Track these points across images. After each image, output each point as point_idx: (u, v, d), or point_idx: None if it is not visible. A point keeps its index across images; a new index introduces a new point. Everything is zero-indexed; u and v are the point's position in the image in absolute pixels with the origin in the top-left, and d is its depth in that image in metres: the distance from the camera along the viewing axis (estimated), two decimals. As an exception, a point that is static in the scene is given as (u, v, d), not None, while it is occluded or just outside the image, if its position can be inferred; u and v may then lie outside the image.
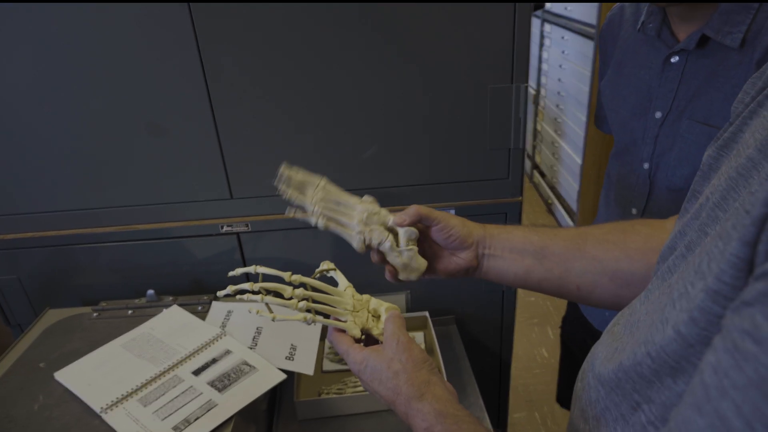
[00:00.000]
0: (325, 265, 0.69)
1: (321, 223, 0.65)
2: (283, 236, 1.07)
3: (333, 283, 0.68)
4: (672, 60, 0.88)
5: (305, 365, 0.89)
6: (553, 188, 3.24)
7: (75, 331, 0.98)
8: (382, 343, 0.60)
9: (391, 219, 0.67)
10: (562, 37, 2.79)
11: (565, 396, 1.30)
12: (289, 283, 0.62)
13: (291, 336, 0.95)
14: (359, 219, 0.66)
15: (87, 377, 0.84)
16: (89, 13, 0.87)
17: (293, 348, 0.92)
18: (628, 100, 0.97)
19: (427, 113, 0.97)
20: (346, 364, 1.02)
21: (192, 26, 0.88)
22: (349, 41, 0.91)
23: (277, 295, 0.61)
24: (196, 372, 0.84)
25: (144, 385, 0.81)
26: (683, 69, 0.86)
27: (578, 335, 1.21)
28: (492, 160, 1.01)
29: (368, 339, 0.64)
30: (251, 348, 0.90)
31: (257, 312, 0.61)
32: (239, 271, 0.66)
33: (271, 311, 0.62)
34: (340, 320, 0.63)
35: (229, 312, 0.99)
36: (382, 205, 1.05)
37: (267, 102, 0.95)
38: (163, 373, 0.84)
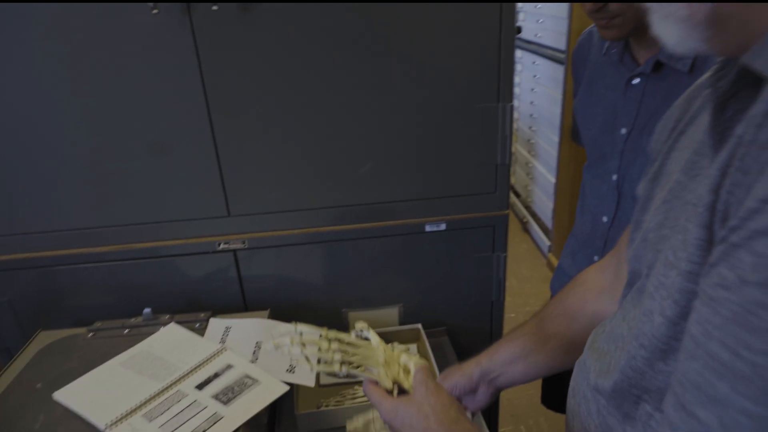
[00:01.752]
0: (360, 324, 0.72)
1: (344, 370, 0.66)
2: (279, 253, 1.09)
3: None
4: (633, 82, 0.96)
5: (306, 377, 0.91)
6: (528, 207, 3.32)
7: (71, 351, 0.97)
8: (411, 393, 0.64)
9: (405, 357, 0.69)
10: (534, 62, 2.92)
11: (549, 398, 1.34)
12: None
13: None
14: (378, 361, 0.67)
15: (88, 396, 0.84)
16: (90, 30, 0.89)
17: (293, 361, 0.94)
18: (597, 117, 1.05)
19: (419, 131, 1.02)
20: (344, 376, 1.04)
21: (194, 45, 0.92)
22: (345, 62, 0.96)
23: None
24: (200, 386, 0.85)
25: (147, 401, 0.82)
26: (643, 90, 0.94)
27: (559, 392, 1.26)
28: (480, 175, 1.06)
29: (399, 391, 0.67)
30: (252, 362, 0.91)
31: (297, 361, 0.64)
32: (279, 338, 0.66)
33: (309, 362, 0.64)
34: (372, 372, 0.66)
35: (227, 328, 1.00)
36: (378, 220, 1.09)
37: (265, 120, 0.99)
38: (166, 389, 0.84)
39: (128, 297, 1.09)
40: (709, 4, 0.35)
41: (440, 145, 1.04)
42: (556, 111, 2.62)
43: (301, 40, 0.94)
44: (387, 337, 1.06)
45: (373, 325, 1.12)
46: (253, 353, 0.93)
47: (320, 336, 0.65)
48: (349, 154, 1.03)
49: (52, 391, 0.85)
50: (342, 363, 0.64)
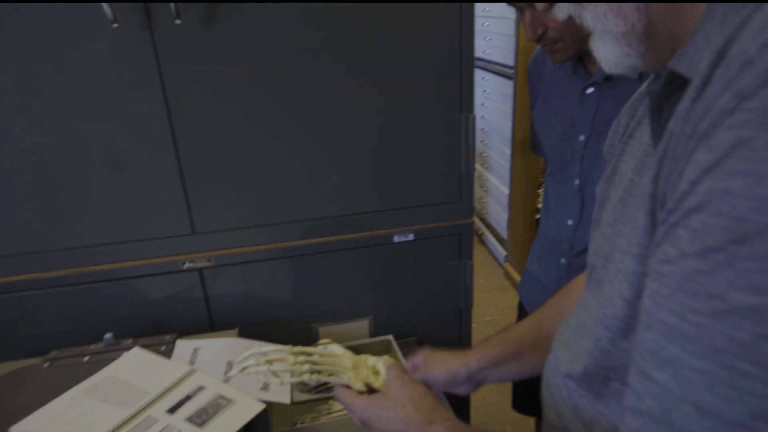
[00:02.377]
0: (324, 340, 0.73)
1: (315, 378, 0.67)
2: (246, 269, 1.07)
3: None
4: (587, 91, 1.01)
5: (281, 395, 0.89)
6: (483, 219, 3.40)
7: (26, 383, 0.92)
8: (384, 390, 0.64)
9: (372, 360, 0.71)
10: (483, 78, 3.01)
11: (520, 402, 1.36)
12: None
13: (263, 367, 0.94)
14: (346, 366, 0.68)
15: (50, 428, 0.79)
16: (47, 44, 0.86)
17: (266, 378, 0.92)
18: (556, 126, 1.10)
19: (385, 144, 1.03)
20: (316, 392, 1.03)
21: (156, 60, 0.90)
22: (308, 76, 0.96)
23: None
24: (171, 410, 0.82)
25: (117, 429, 0.78)
26: (597, 98, 1.00)
27: (530, 389, 1.29)
28: (445, 184, 1.08)
29: (371, 392, 0.67)
30: (224, 382, 0.89)
31: (267, 377, 0.65)
32: (244, 362, 0.66)
33: (278, 377, 0.65)
34: (342, 378, 0.66)
35: (195, 349, 0.97)
36: (346, 232, 1.09)
37: (230, 134, 0.98)
38: (135, 415, 0.81)
39: (87, 323, 1.04)
40: (644, 21, 0.39)
41: (405, 157, 1.05)
42: (507, 124, 2.71)
43: (265, 54, 0.94)
44: (358, 350, 1.05)
45: (344, 338, 1.13)
46: (225, 373, 0.91)
47: (286, 353, 0.66)
48: (315, 167, 1.03)
49: (8, 426, 0.80)
50: (311, 373, 0.65)
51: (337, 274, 1.13)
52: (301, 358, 0.65)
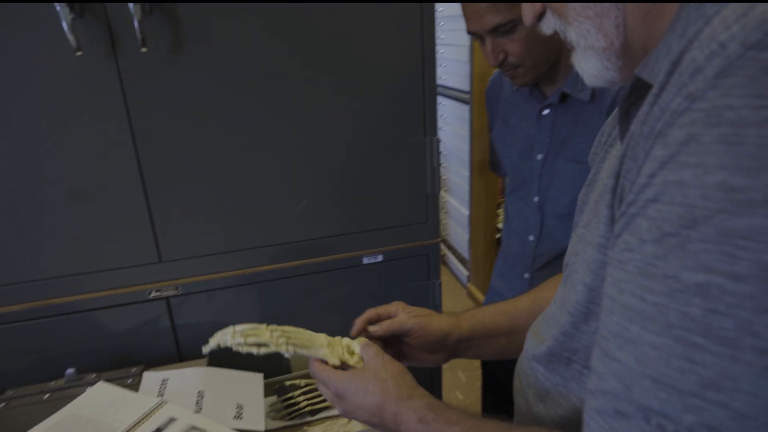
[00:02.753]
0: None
1: (291, 349, 0.67)
2: (215, 297, 1.06)
3: None
4: (543, 113, 1.07)
5: (255, 422, 0.88)
6: (444, 241, 3.45)
7: (-20, 425, 0.87)
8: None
9: (346, 340, 0.70)
10: (440, 103, 3.10)
11: (490, 408, 1.38)
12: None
13: (235, 395, 0.93)
14: (322, 343, 0.69)
15: (10, 470, 0.75)
16: (8, 71, 0.85)
17: (240, 407, 0.90)
18: (515, 146, 1.15)
19: (352, 167, 1.05)
20: (290, 419, 1.01)
21: (121, 88, 0.90)
22: (274, 101, 0.98)
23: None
24: (142, 444, 0.79)
25: (83, 467, 0.75)
26: (553, 119, 1.05)
27: (497, 375, 1.32)
28: (412, 206, 1.11)
29: (345, 369, 0.67)
30: (196, 412, 0.87)
31: (242, 349, 0.65)
32: (219, 338, 0.68)
33: (256, 347, 0.65)
34: (318, 354, 0.66)
35: (164, 380, 0.95)
36: (315, 255, 1.10)
37: (196, 161, 0.97)
38: (103, 452, 0.78)
39: (46, 359, 1.00)
40: (622, 38, 0.43)
41: (372, 179, 1.07)
42: (464, 147, 2.78)
43: (230, 81, 0.95)
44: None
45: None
46: (197, 403, 0.89)
47: (261, 328, 0.67)
48: (283, 192, 1.04)
49: (-36, 472, 0.75)
50: (287, 344, 0.65)
51: (307, 298, 1.13)
52: (277, 333, 0.66)
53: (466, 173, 2.81)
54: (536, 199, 1.10)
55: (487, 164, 1.44)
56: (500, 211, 2.85)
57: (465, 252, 3.07)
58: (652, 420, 0.32)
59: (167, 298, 1.03)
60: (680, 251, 0.31)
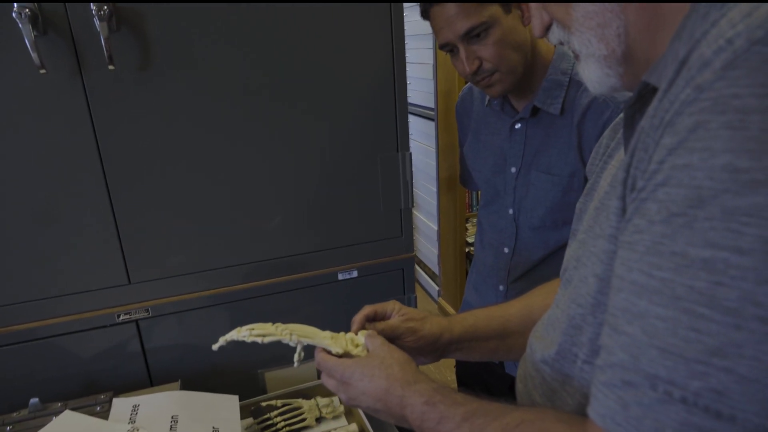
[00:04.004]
0: None
1: (294, 338, 0.69)
2: (187, 318, 1.03)
3: None
4: (516, 127, 1.09)
5: (233, 445, 0.85)
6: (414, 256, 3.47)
7: (-64, 463, 0.82)
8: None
9: (350, 334, 0.71)
10: (406, 120, 3.14)
11: None
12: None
13: (211, 419, 0.90)
14: (326, 336, 0.70)
15: None
16: (-36, 100, 0.82)
17: (215, 431, 0.88)
18: (488, 160, 1.17)
19: (325, 183, 1.05)
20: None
21: (87, 106, 0.88)
22: (245, 118, 0.97)
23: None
24: (114, 474, 0.76)
25: (51, 502, 0.71)
26: (525, 133, 1.08)
27: (471, 369, 1.32)
28: (386, 220, 1.12)
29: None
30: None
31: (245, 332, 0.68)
32: (224, 338, 0.70)
33: (258, 336, 0.68)
34: (322, 344, 0.68)
35: (135, 406, 0.91)
36: (289, 273, 1.09)
37: (166, 179, 0.95)
38: (72, 484, 0.74)
39: (7, 389, 0.95)
40: (623, 46, 0.45)
41: (346, 195, 1.08)
42: (431, 163, 2.82)
43: (199, 98, 0.94)
44: (307, 393, 1.04)
45: (291, 382, 1.11)
46: (171, 428, 0.86)
47: (268, 325, 0.70)
48: (256, 210, 1.03)
49: None
50: (291, 334, 0.67)
51: (282, 316, 1.09)
52: (281, 327, 0.69)
53: (434, 188, 2.84)
54: (511, 211, 1.12)
55: (455, 179, 1.46)
56: (469, 225, 2.89)
57: (435, 267, 3.09)
58: (659, 387, 0.33)
59: (137, 321, 1.00)
60: (687, 229, 0.33)
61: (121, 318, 0.98)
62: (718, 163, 0.31)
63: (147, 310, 1.00)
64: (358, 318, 0.73)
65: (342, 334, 0.71)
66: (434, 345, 0.73)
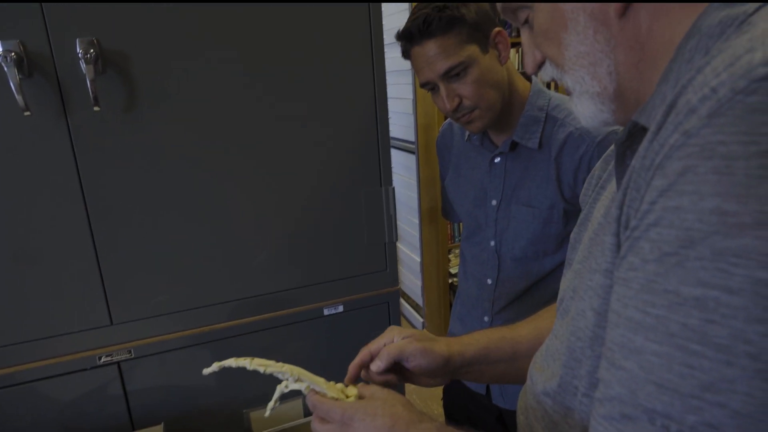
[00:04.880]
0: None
1: (295, 374, 0.66)
2: (171, 358, 1.01)
3: None
4: (495, 161, 1.12)
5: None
6: (397, 288, 3.46)
7: None
8: None
9: (340, 385, 0.69)
10: (387, 154, 3.18)
11: None
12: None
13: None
14: (319, 380, 0.67)
15: None
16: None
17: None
18: (469, 194, 1.19)
19: (310, 219, 1.06)
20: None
21: (71, 146, 0.88)
22: (228, 156, 0.98)
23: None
24: None
25: None
26: (505, 166, 1.11)
27: (458, 400, 1.32)
28: (371, 255, 1.12)
29: None
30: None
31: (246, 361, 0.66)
32: (218, 364, 0.66)
33: (260, 366, 0.66)
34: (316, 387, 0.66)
35: (116, 452, 0.89)
36: (275, 309, 1.08)
37: (150, 218, 0.95)
38: None
39: (-19, 438, 0.92)
40: (614, 84, 0.48)
41: (330, 230, 1.08)
42: (413, 195, 2.85)
43: (183, 138, 0.95)
44: (294, 432, 1.02)
45: (277, 421, 1.09)
46: (154, 474, 0.84)
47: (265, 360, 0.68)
48: (240, 247, 1.03)
49: None
50: (291, 371, 0.65)
51: (266, 353, 1.08)
52: (279, 364, 0.67)
53: (416, 221, 2.86)
54: (493, 243, 1.14)
55: (437, 211, 1.48)
56: (452, 256, 2.91)
57: (419, 298, 3.08)
58: (657, 421, 0.34)
59: (119, 363, 0.98)
60: (679, 269, 0.34)
61: (103, 360, 0.96)
62: (707, 206, 0.33)
63: (129, 351, 0.98)
64: (352, 367, 0.72)
65: (333, 383, 0.69)
66: (446, 367, 0.72)
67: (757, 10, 0.38)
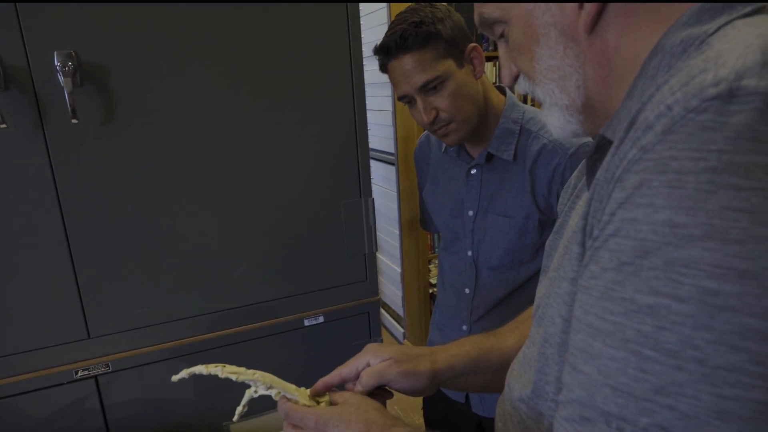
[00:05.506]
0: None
1: (267, 381, 0.66)
2: (149, 371, 1.01)
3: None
4: (472, 172, 1.15)
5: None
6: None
7: None
8: None
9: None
10: (367, 165, 3.20)
11: None
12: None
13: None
14: (291, 388, 0.67)
15: None
16: None
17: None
18: (446, 205, 1.22)
19: (290, 231, 1.07)
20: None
21: (48, 158, 0.87)
22: (210, 167, 0.99)
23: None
24: None
25: None
26: (481, 178, 1.14)
27: (438, 409, 1.33)
28: (351, 265, 1.13)
29: None
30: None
31: (217, 368, 0.65)
32: (187, 371, 0.66)
33: (232, 374, 0.65)
34: (288, 393, 0.65)
35: (93, 468, 0.88)
36: (255, 321, 1.08)
37: (128, 230, 0.95)
38: None
39: (-48, 457, 0.90)
40: (582, 97, 0.50)
41: (311, 241, 1.09)
42: (393, 206, 2.87)
43: (161, 149, 0.95)
44: (275, 444, 1.02)
45: (258, 433, 1.08)
46: (132, 489, 0.83)
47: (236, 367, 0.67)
48: (220, 258, 1.03)
49: None
50: (262, 376, 0.65)
51: (248, 364, 1.08)
52: (251, 371, 0.66)
53: (396, 231, 2.88)
54: (470, 253, 1.16)
55: (416, 222, 1.50)
56: (432, 266, 2.93)
57: (399, 309, 3.09)
58: (613, 423, 0.36)
59: (96, 377, 0.97)
60: (635, 277, 0.36)
61: (80, 374, 0.95)
62: (660, 218, 0.35)
63: (107, 365, 0.97)
64: (321, 383, 0.69)
65: (304, 389, 0.69)
66: (432, 383, 0.70)
67: (716, 30, 0.40)
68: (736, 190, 0.32)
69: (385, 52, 1.03)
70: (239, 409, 0.68)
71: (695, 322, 0.33)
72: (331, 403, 0.65)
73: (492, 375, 0.74)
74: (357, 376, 0.69)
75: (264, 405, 1.12)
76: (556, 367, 0.50)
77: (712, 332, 0.32)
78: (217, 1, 0.93)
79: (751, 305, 0.31)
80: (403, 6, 1.17)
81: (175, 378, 0.66)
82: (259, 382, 0.65)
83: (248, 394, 0.67)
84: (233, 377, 0.65)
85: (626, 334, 0.36)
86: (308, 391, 0.68)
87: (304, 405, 0.63)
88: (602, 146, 0.49)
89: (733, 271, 0.32)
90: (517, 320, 0.81)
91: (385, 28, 1.08)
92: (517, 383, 0.58)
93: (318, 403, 0.66)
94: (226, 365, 0.66)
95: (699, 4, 0.43)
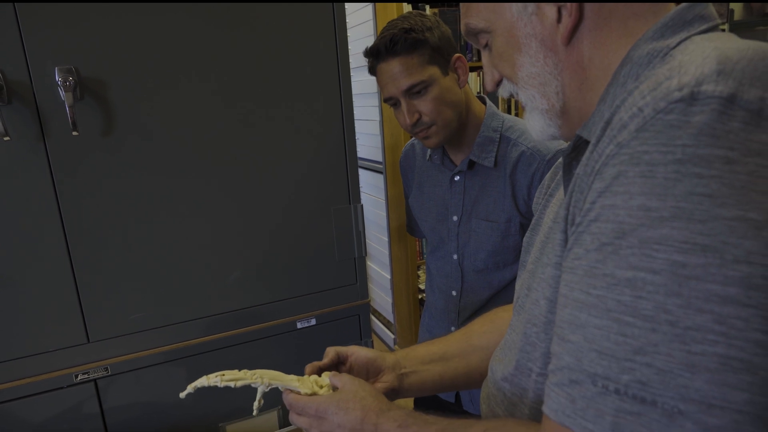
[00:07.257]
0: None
1: (266, 381, 0.71)
2: (148, 374, 1.04)
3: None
4: (455, 179, 1.20)
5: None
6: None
7: None
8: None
9: (314, 377, 0.75)
10: (355, 173, 3.24)
11: None
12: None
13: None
14: (292, 379, 0.73)
15: None
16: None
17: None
18: (432, 210, 1.26)
19: (283, 236, 1.11)
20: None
21: (49, 169, 0.91)
22: (206, 177, 1.03)
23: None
24: None
25: None
26: (464, 184, 1.19)
27: (429, 408, 1.36)
28: (341, 269, 1.18)
29: None
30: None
31: (217, 378, 0.69)
32: (192, 385, 0.70)
33: (231, 381, 0.69)
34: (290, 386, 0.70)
35: (94, 468, 0.90)
36: (249, 324, 1.12)
37: (126, 237, 0.98)
38: None
39: (-45, 460, 0.92)
40: (561, 102, 0.55)
41: (303, 246, 1.13)
42: (381, 214, 2.91)
43: (158, 158, 0.99)
44: (270, 444, 1.05)
45: (253, 433, 1.11)
46: (133, 487, 0.86)
47: (236, 372, 0.72)
48: (215, 264, 1.07)
49: None
50: (261, 378, 0.70)
51: (243, 366, 1.12)
52: (249, 372, 0.71)
53: (385, 238, 2.92)
54: (455, 256, 1.21)
55: (405, 228, 1.54)
56: (421, 272, 2.97)
57: (389, 315, 3.12)
58: (598, 383, 0.41)
59: (95, 381, 0.99)
60: (614, 255, 0.41)
61: (79, 378, 0.98)
62: (635, 203, 0.40)
63: (106, 369, 1.00)
64: (322, 364, 0.78)
65: (306, 377, 0.74)
66: (382, 365, 0.78)
67: (677, 44, 0.47)
68: (698, 178, 0.38)
69: (375, 55, 1.09)
70: (256, 404, 0.73)
71: (667, 290, 0.38)
72: (333, 388, 0.70)
73: (440, 365, 0.81)
74: (348, 358, 0.79)
75: (263, 405, 1.15)
76: (542, 344, 0.55)
77: (681, 298, 0.38)
78: (213, 1, 0.97)
79: (713, 274, 0.37)
80: (388, 6, 1.22)
81: (182, 395, 0.70)
82: (258, 384, 0.70)
83: (261, 390, 0.71)
84: (232, 385, 0.69)
85: (608, 305, 0.41)
86: (311, 378, 0.73)
87: (306, 394, 0.68)
88: (578, 146, 0.55)
89: (697, 246, 0.37)
90: (489, 320, 0.86)
91: (369, 26, 1.13)
92: (500, 366, 0.63)
93: (320, 387, 0.71)
94: (225, 372, 0.70)
95: (662, 22, 0.49)
